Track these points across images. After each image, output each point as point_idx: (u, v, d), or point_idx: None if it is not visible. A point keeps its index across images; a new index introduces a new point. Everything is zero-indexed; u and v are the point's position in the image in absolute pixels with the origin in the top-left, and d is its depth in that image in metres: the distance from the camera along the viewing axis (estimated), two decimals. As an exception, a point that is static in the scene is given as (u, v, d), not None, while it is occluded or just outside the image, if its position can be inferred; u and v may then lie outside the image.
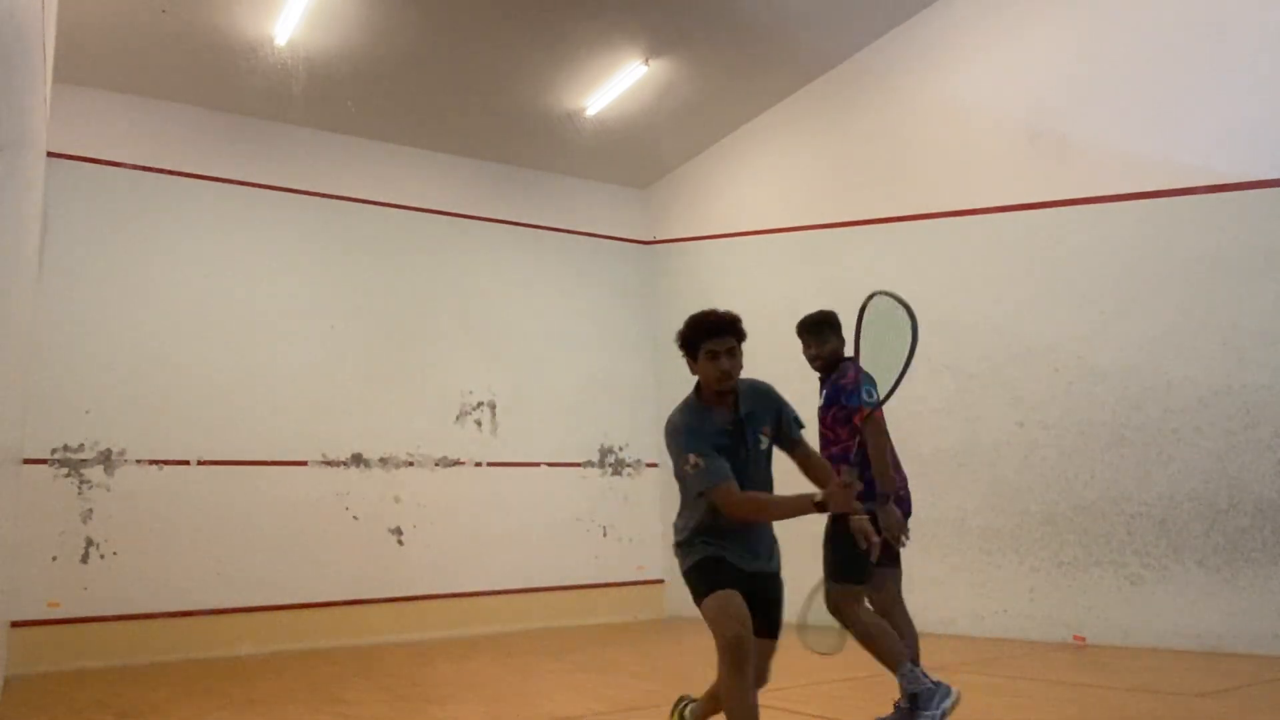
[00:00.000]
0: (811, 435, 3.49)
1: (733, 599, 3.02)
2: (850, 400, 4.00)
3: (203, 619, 8.15)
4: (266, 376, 8.84)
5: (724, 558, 3.17)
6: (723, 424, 3.17)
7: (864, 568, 3.86)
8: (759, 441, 3.20)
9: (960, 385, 7.71)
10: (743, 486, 3.09)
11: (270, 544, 8.55)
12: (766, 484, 3.23)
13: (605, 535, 10.39)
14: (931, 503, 7.42)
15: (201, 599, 8.17)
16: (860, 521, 3.56)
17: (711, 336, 3.14)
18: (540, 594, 9.65)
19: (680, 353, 3.28)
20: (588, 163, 10.80)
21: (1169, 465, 6.52)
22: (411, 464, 9.42)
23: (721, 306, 3.24)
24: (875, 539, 3.52)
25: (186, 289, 8.62)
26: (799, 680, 5.60)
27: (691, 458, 3.12)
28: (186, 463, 8.36)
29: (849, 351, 3.81)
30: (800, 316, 4.45)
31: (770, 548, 3.28)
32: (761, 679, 3.21)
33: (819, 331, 4.29)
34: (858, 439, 3.81)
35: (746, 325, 3.26)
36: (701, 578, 3.17)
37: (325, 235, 9.46)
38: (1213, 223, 6.45)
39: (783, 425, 3.27)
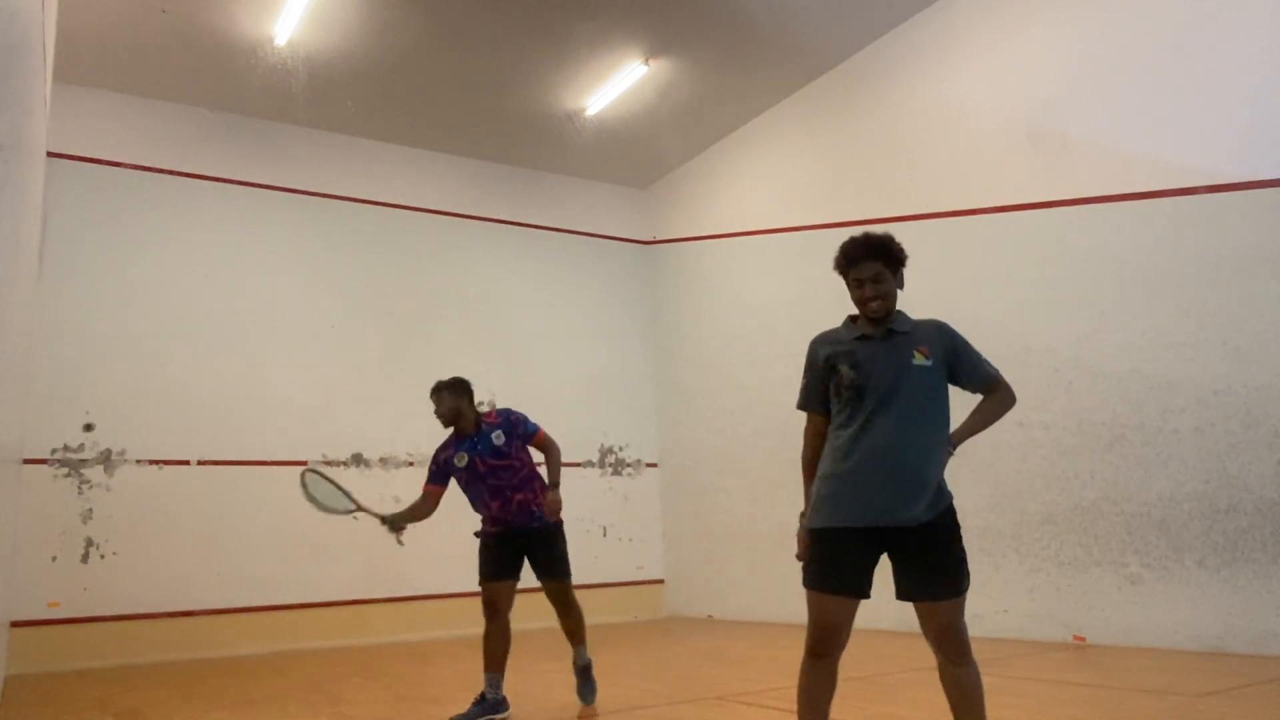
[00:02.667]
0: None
1: (822, 606, 2.87)
2: (528, 428, 5.18)
3: (203, 619, 8.14)
4: (266, 376, 8.84)
5: (832, 528, 2.90)
6: (863, 332, 2.98)
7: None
8: (913, 357, 2.91)
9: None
10: (892, 400, 2.86)
11: (270, 544, 8.54)
12: (928, 412, 2.90)
13: (605, 535, 10.39)
14: (931, 503, 7.43)
15: (201, 599, 8.17)
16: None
17: (853, 265, 2.98)
18: (540, 594, 9.63)
19: None
20: (588, 163, 10.80)
21: (1169, 465, 6.52)
22: (411, 464, 9.42)
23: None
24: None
25: (187, 289, 8.62)
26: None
27: (805, 376, 3.13)
28: (186, 463, 8.36)
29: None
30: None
31: (918, 487, 2.84)
32: (947, 646, 2.85)
33: (438, 393, 5.21)
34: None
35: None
36: (806, 562, 2.95)
37: (325, 235, 9.46)
38: (1213, 223, 6.45)
39: (959, 357, 3.00)
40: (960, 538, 2.91)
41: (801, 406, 3.17)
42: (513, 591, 5.06)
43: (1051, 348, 7.17)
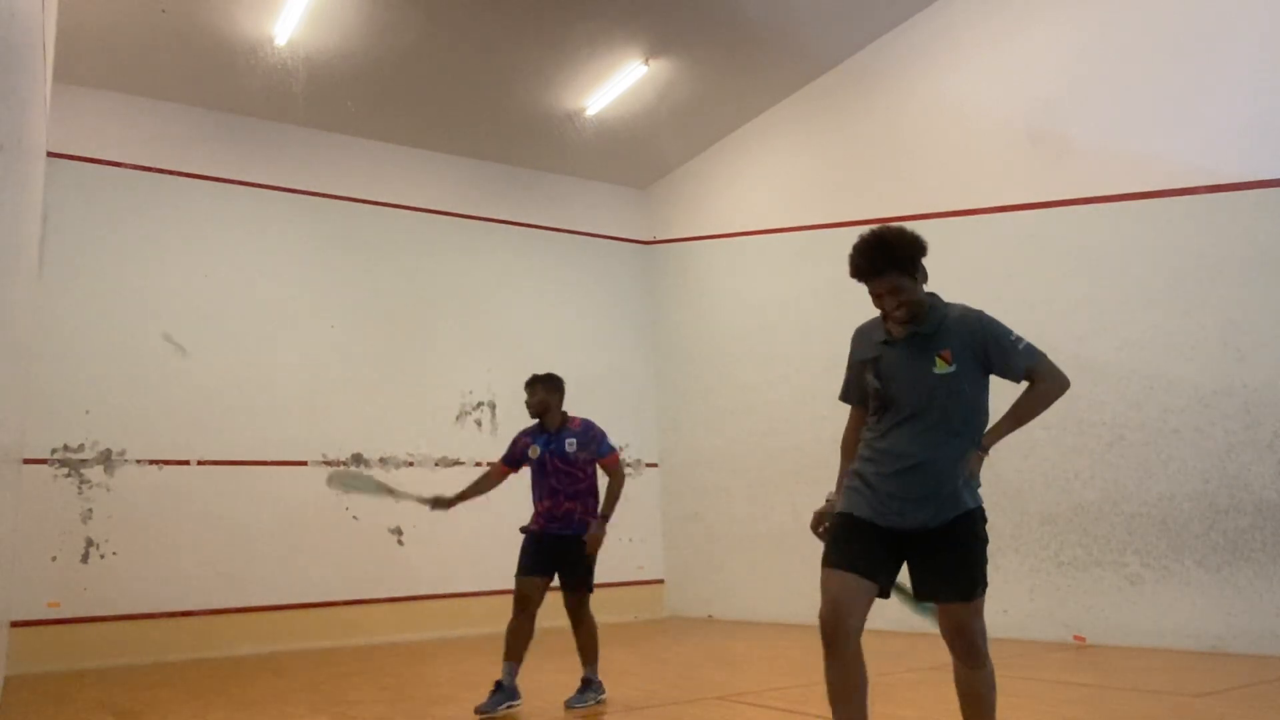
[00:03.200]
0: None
1: (831, 581, 2.78)
2: (602, 448, 5.37)
3: (203, 619, 8.14)
4: (266, 376, 8.84)
5: (853, 516, 2.87)
6: (888, 335, 2.90)
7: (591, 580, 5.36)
8: (934, 364, 2.82)
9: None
10: (914, 412, 2.81)
11: (270, 544, 8.54)
12: (951, 421, 2.82)
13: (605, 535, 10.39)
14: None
15: (201, 599, 8.16)
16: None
17: (865, 281, 2.85)
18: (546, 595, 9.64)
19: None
20: (588, 163, 10.80)
21: (1169, 465, 6.52)
22: (411, 464, 9.42)
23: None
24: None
25: (186, 289, 8.62)
26: (799, 680, 5.61)
27: (847, 369, 3.10)
28: (186, 463, 8.35)
29: None
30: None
31: (929, 496, 2.83)
32: (957, 648, 2.92)
33: (532, 385, 5.46)
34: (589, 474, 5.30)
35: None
36: (827, 543, 2.90)
37: (325, 235, 9.45)
38: (1213, 223, 6.45)
39: (989, 352, 2.86)
40: (976, 543, 2.91)
41: (842, 398, 3.18)
42: (542, 589, 5.23)
43: (1052, 348, 7.07)
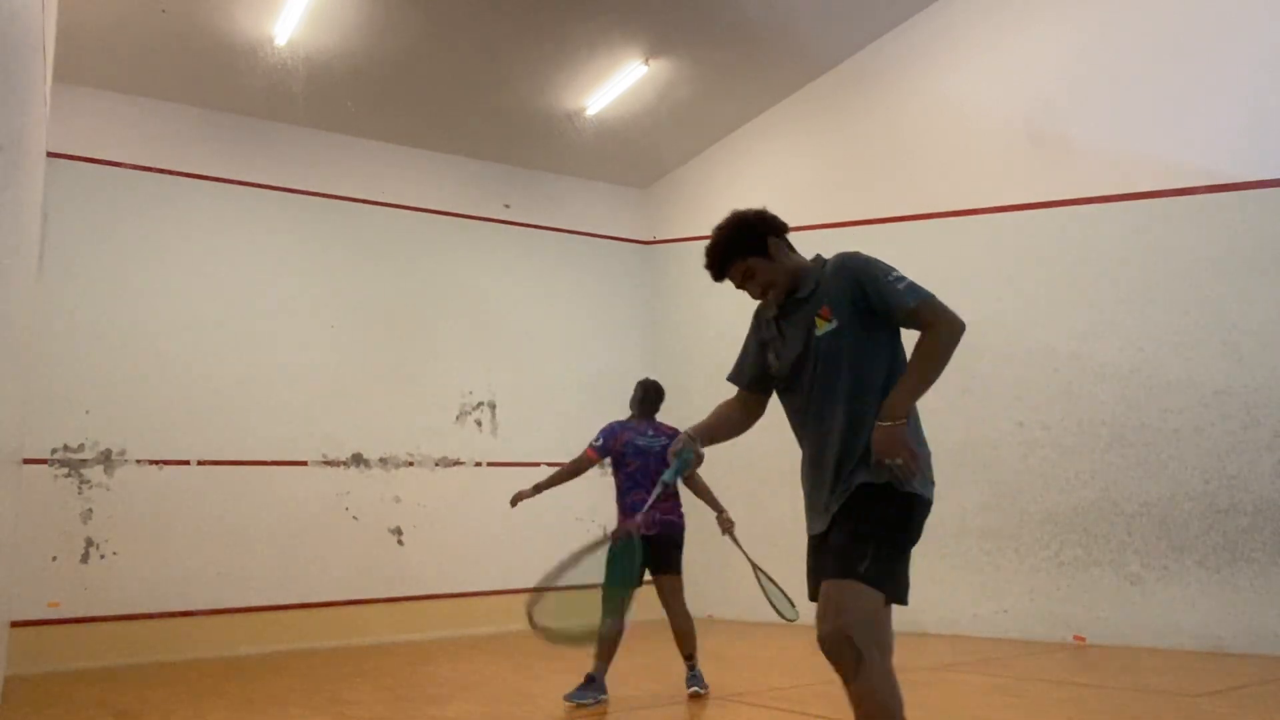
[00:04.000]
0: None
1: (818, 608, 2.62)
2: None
3: (203, 619, 8.14)
4: (266, 376, 8.84)
5: (811, 537, 2.71)
6: (776, 309, 2.73)
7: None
8: (814, 325, 2.56)
9: (960, 385, 7.71)
10: (812, 383, 2.57)
11: (270, 544, 8.54)
12: (846, 382, 2.51)
13: (605, 534, 10.39)
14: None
15: (201, 599, 8.16)
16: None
17: (720, 280, 2.83)
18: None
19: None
20: (588, 163, 10.80)
21: (1169, 465, 6.52)
22: (411, 464, 9.42)
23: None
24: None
25: (186, 289, 8.62)
26: (799, 680, 5.61)
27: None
28: (186, 463, 8.35)
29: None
30: None
31: (834, 477, 2.53)
32: (824, 646, 2.43)
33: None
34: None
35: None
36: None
37: (325, 235, 9.45)
38: (1213, 223, 6.46)
39: (867, 294, 2.51)
40: (864, 515, 2.45)
41: (730, 379, 2.91)
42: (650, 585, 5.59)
43: (1051, 348, 7.17)
